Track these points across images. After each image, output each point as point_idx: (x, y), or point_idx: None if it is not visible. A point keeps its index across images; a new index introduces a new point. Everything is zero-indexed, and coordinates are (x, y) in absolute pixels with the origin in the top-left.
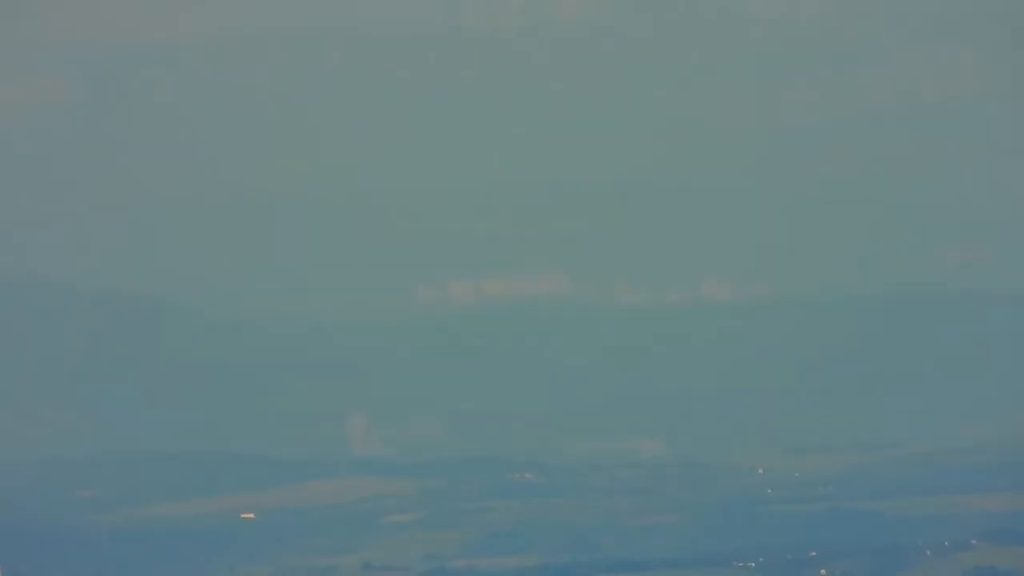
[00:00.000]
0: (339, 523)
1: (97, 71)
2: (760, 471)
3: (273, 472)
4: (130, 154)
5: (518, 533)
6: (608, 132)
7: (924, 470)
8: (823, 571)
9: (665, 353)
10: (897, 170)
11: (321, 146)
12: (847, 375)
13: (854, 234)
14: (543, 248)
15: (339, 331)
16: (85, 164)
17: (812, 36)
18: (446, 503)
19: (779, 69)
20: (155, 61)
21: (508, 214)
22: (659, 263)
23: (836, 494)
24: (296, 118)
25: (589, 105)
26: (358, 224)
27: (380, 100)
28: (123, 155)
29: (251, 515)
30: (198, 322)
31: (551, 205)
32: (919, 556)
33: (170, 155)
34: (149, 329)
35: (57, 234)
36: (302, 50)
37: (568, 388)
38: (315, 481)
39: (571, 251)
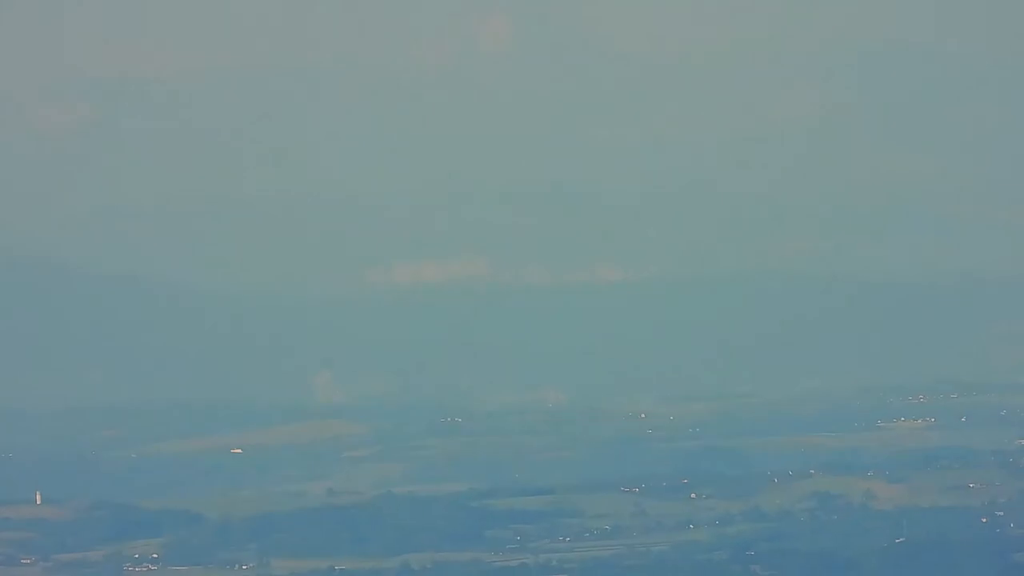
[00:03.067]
0: (308, 457)
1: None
2: (642, 415)
3: (256, 416)
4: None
5: (449, 465)
6: (521, 137)
7: (772, 415)
8: (692, 494)
9: (566, 323)
10: (769, 169)
11: (285, 149)
12: (712, 341)
13: (723, 227)
14: (468, 238)
15: (308, 305)
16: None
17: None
18: (392, 441)
19: (654, 80)
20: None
21: (443, 211)
22: (561, 251)
23: (703, 434)
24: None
25: (501, 110)
26: (320, 220)
27: (321, 103)
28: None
29: (239, 450)
30: (193, 302)
31: (477, 204)
32: (768, 483)
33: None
34: (150, 308)
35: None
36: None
37: (488, 350)
38: (289, 424)
39: (491, 241)
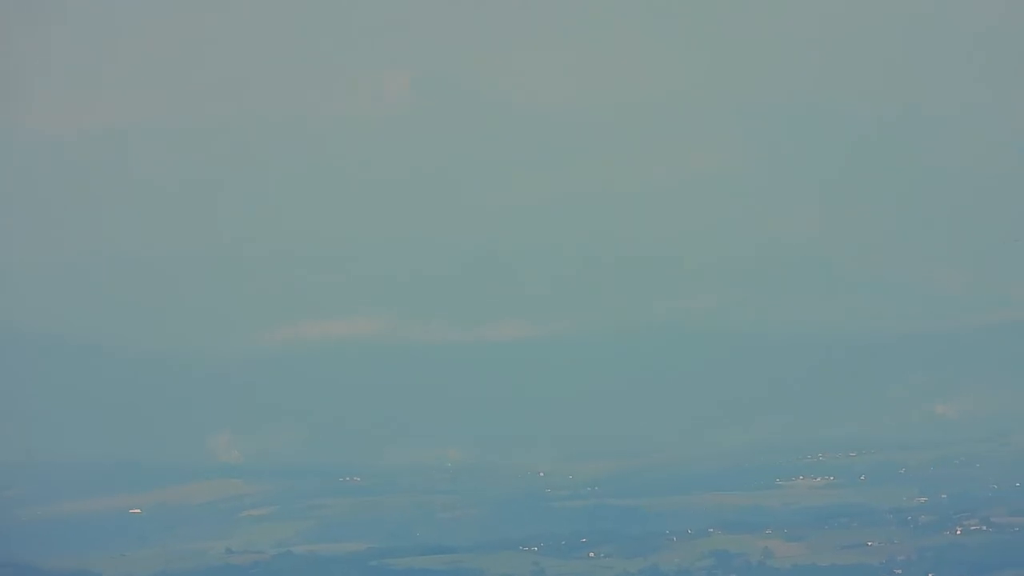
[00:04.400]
0: (207, 517)
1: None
2: (541, 473)
3: (155, 476)
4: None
5: (348, 524)
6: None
7: (670, 473)
8: (591, 553)
9: (466, 381)
10: (670, 227)
11: (184, 205)
12: (611, 399)
13: (623, 285)
14: (369, 295)
15: (208, 364)
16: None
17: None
18: (291, 501)
19: (553, 137)
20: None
21: (344, 267)
22: (462, 308)
23: (601, 493)
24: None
25: (401, 164)
26: (219, 278)
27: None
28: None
29: (138, 510)
30: (90, 360)
31: (379, 261)
32: (667, 541)
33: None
34: (45, 366)
35: None
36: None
37: (389, 408)
38: (188, 483)
39: (392, 298)
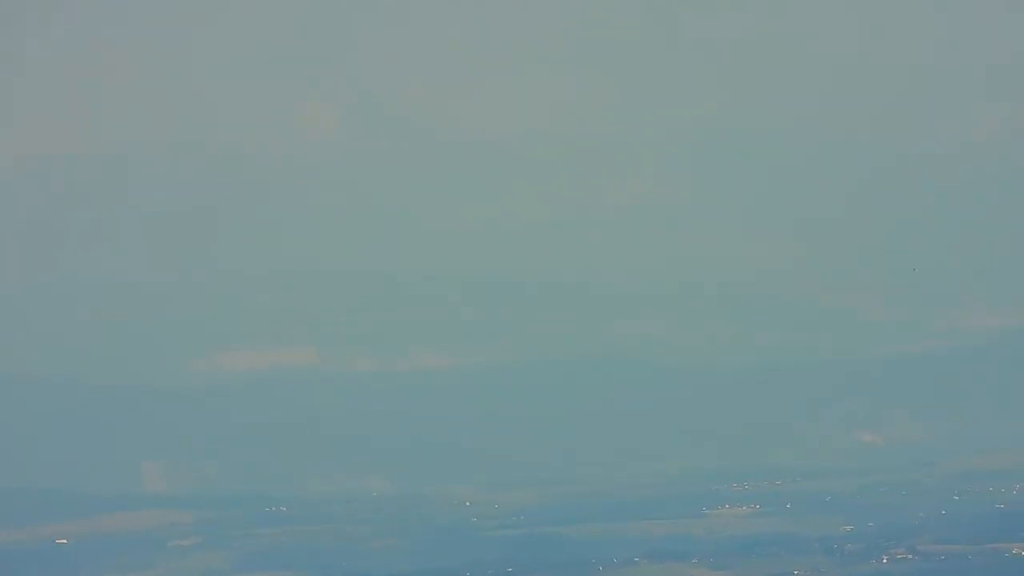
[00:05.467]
0: (134, 547)
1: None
2: (467, 503)
3: (81, 505)
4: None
5: (275, 553)
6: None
7: (597, 501)
8: None
9: (392, 411)
10: (593, 255)
11: (109, 233)
12: (536, 428)
13: (547, 313)
14: (294, 326)
15: (134, 394)
16: None
17: None
18: (218, 531)
19: (479, 166)
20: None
21: (269, 299)
22: (387, 338)
23: (527, 522)
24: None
25: (325, 194)
26: (143, 307)
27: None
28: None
29: (64, 540)
30: (13, 389)
31: (304, 292)
32: (593, 570)
33: None
34: None
35: None
36: None
37: (314, 439)
38: (114, 513)
39: (317, 329)
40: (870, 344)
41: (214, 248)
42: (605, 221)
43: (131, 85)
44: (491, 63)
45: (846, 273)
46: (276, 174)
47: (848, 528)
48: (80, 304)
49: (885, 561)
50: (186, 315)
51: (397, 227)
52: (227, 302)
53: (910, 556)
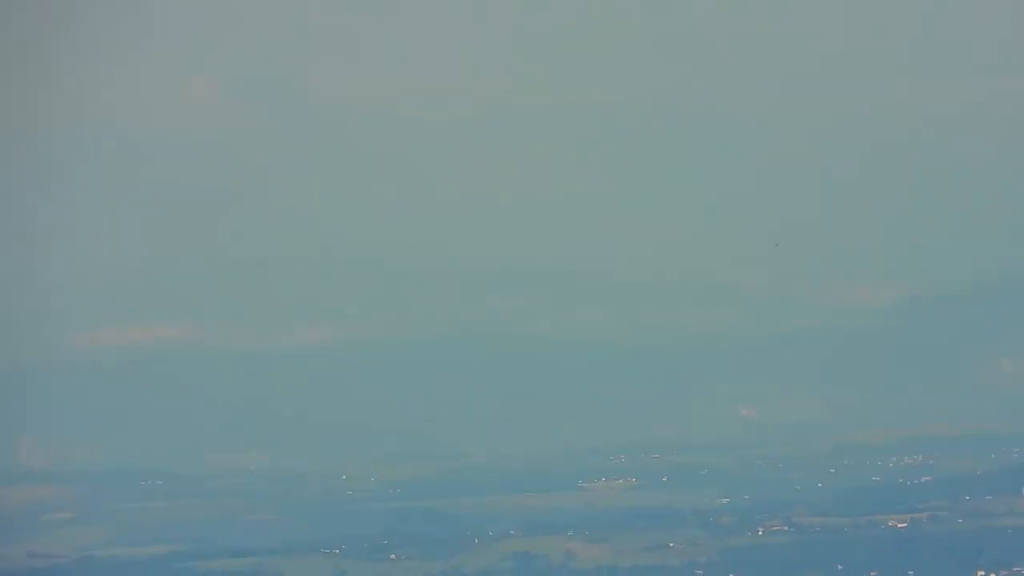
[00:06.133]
0: (9, 520)
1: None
2: (344, 477)
3: None
4: None
5: (151, 528)
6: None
7: (473, 475)
8: (393, 555)
9: (269, 386)
10: (472, 232)
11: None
12: (414, 402)
13: (427, 288)
14: (172, 301)
15: (8, 370)
16: None
17: None
18: (93, 505)
19: (362, 141)
20: None
21: (146, 275)
22: (264, 313)
23: (404, 495)
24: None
25: (204, 170)
26: (19, 284)
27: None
28: None
29: None
30: None
31: (182, 267)
32: (469, 543)
33: None
34: None
35: None
36: None
37: (190, 412)
38: None
39: (195, 304)
40: (751, 321)
41: (94, 224)
42: (484, 200)
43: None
44: (390, 32)
45: (729, 251)
46: (157, 151)
47: (724, 500)
48: None
49: (761, 533)
50: (64, 291)
51: (280, 204)
52: (106, 278)
53: (786, 528)
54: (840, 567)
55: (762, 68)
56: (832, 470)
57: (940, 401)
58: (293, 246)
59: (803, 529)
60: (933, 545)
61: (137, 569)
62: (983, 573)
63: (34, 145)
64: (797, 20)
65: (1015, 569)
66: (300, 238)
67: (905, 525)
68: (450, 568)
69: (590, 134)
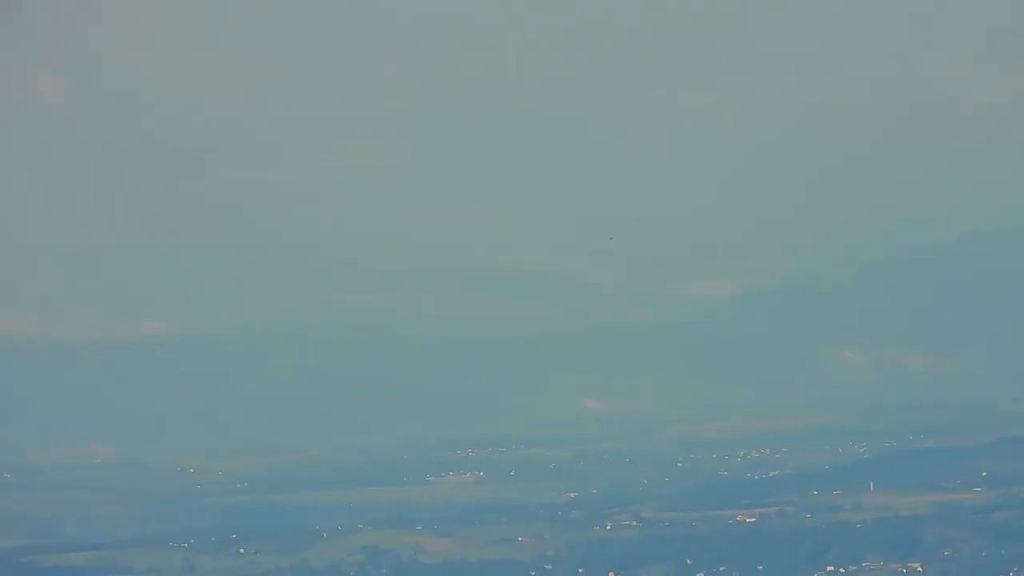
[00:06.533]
0: None
1: None
2: (191, 470)
3: None
4: None
5: None
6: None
7: (321, 469)
8: (241, 549)
9: (114, 379)
10: (329, 220)
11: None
12: (259, 396)
13: (282, 281)
14: (17, 294)
15: None
16: None
17: None
18: None
19: (224, 130)
20: None
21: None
22: (109, 306)
23: (252, 488)
24: None
25: (49, 161)
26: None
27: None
28: None
29: None
30: None
31: (27, 260)
32: (317, 537)
33: None
34: None
35: None
36: None
37: (35, 405)
38: None
39: (43, 295)
40: (597, 314)
41: None
42: (327, 190)
43: None
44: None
45: (574, 243)
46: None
47: (571, 495)
48: None
49: (609, 528)
50: None
51: (123, 197)
52: None
53: (633, 523)
54: (689, 562)
55: (619, 67)
56: (679, 464)
57: (788, 394)
58: (135, 238)
59: (651, 523)
60: (782, 540)
61: None
62: (832, 568)
63: None
64: (650, 14)
65: (864, 564)
66: (142, 228)
67: (754, 520)
68: (299, 562)
69: (439, 129)
